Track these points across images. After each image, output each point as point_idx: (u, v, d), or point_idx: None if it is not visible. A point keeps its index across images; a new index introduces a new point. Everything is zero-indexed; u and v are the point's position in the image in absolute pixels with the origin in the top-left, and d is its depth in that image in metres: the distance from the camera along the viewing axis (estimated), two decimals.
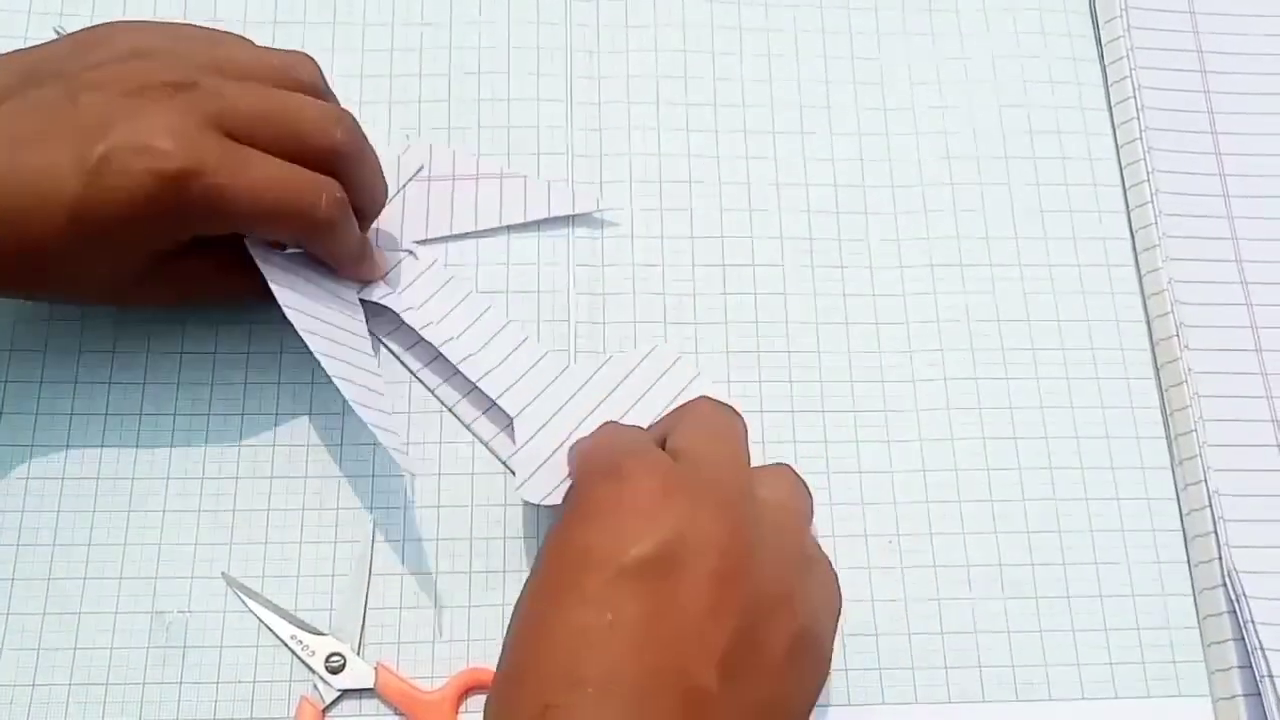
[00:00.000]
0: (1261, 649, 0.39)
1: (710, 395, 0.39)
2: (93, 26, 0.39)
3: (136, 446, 0.41)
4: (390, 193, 0.43)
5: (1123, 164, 0.47)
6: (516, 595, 0.34)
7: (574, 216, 0.45)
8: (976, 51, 0.49)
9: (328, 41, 0.47)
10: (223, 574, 0.40)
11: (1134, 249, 0.46)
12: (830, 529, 0.42)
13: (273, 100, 0.37)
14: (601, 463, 0.35)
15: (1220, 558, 0.41)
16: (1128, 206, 0.47)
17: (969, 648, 0.41)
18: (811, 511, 0.38)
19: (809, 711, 0.35)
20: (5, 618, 0.39)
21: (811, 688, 0.35)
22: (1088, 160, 0.48)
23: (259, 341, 0.43)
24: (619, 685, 0.30)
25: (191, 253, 0.38)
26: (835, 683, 0.40)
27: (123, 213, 0.35)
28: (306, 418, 0.42)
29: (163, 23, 0.40)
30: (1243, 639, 0.40)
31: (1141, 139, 0.47)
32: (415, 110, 0.46)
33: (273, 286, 0.39)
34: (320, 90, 0.40)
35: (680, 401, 0.41)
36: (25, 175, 0.34)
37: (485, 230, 0.45)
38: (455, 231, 0.44)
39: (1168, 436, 0.44)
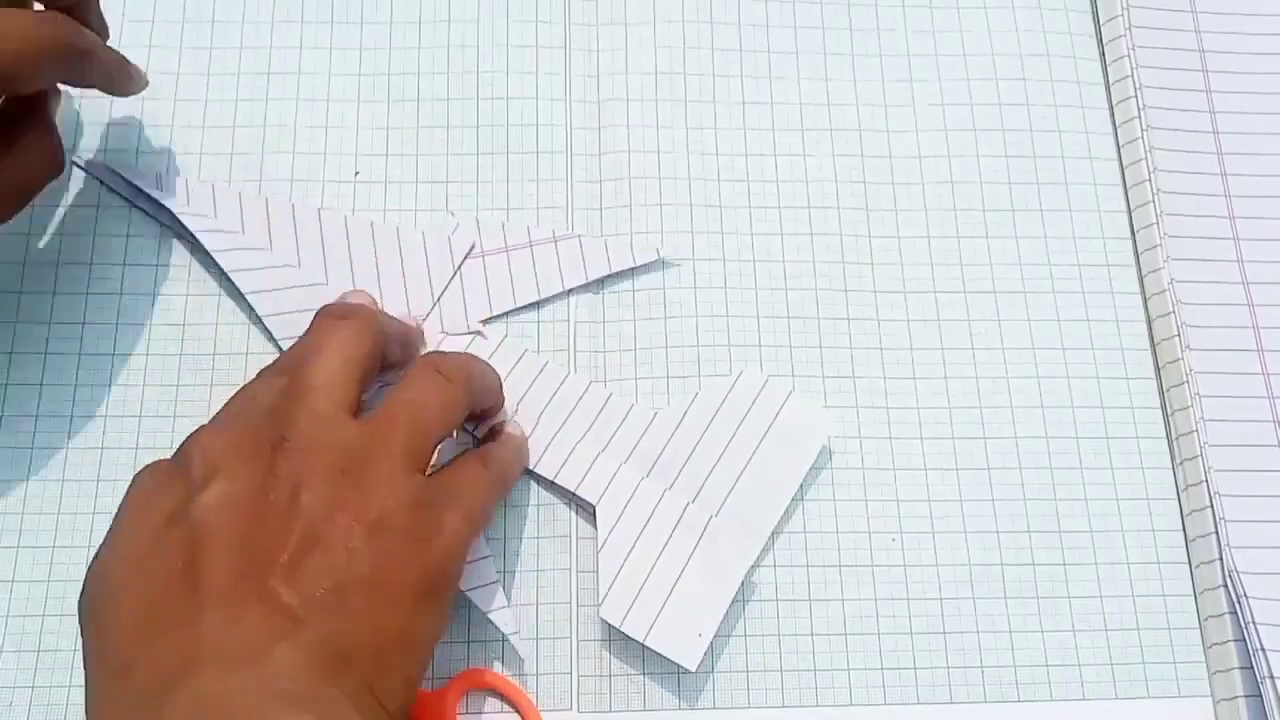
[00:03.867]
0: (1262, 650, 0.39)
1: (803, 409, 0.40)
2: None
3: (136, 448, 0.41)
4: (447, 276, 0.43)
5: (1124, 163, 0.47)
6: (516, 596, 0.34)
7: (572, 215, 0.45)
8: (977, 49, 0.49)
9: (326, 41, 0.47)
10: None
11: (1135, 248, 0.46)
12: (834, 526, 0.42)
13: None
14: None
15: (1221, 558, 0.41)
16: (1129, 206, 0.47)
17: (970, 648, 0.41)
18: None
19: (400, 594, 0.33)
20: (5, 620, 0.39)
21: (413, 554, 0.33)
22: (1089, 159, 0.48)
23: (259, 342, 0.43)
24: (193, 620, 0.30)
25: None
26: (838, 682, 0.40)
27: None
28: None
29: None
30: (1244, 640, 0.40)
31: (1143, 138, 0.47)
32: (414, 110, 0.46)
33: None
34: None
35: (778, 423, 0.42)
36: None
37: (485, 234, 0.45)
38: (520, 303, 0.44)
39: (1169, 437, 0.44)
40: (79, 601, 0.33)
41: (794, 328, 0.44)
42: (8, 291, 0.43)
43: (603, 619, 0.39)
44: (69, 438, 0.41)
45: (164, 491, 0.33)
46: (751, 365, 0.44)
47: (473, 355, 0.39)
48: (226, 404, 0.36)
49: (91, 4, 0.40)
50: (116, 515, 0.33)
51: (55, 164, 0.39)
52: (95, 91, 0.42)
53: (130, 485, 0.34)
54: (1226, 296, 0.45)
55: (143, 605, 0.31)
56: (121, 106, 0.45)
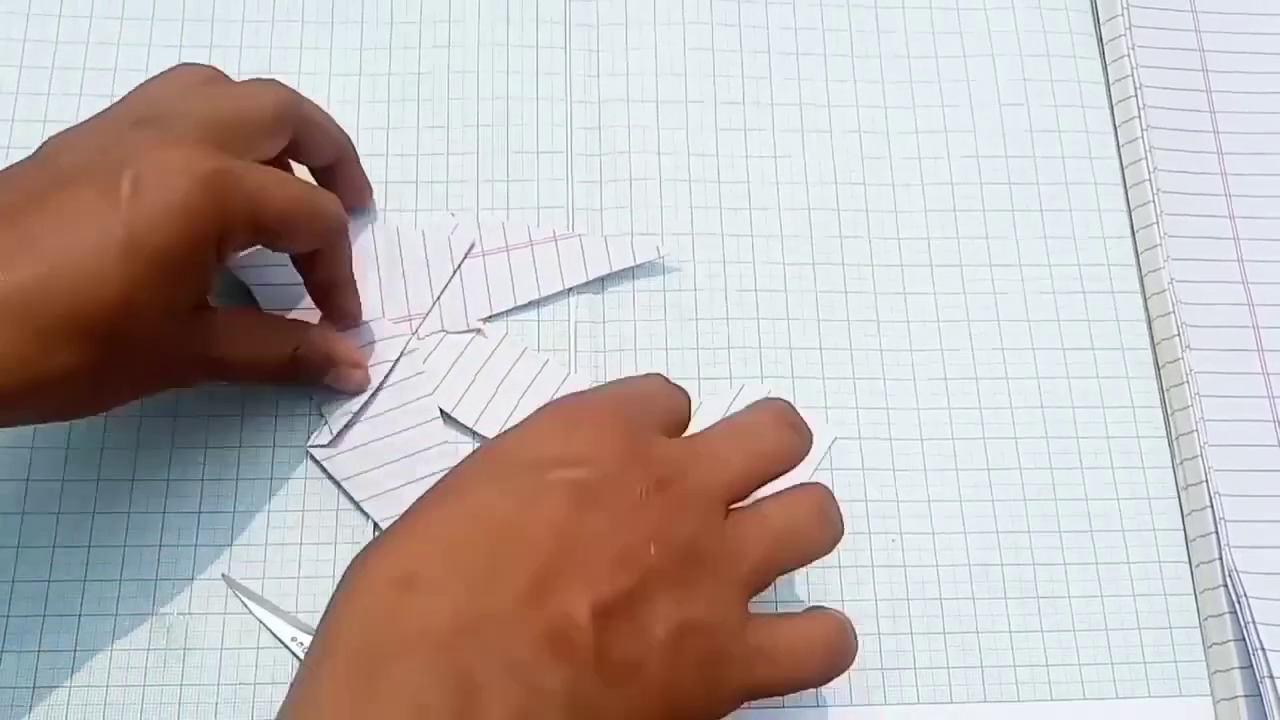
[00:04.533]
0: (1262, 649, 0.39)
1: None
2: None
3: (136, 448, 0.41)
4: (447, 274, 0.43)
5: (1124, 163, 0.47)
6: None
7: (573, 215, 0.45)
8: (977, 50, 0.49)
9: (326, 41, 0.47)
10: (223, 575, 0.40)
11: (1135, 248, 0.46)
12: None
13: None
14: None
15: (1221, 558, 0.41)
16: (1129, 205, 0.47)
17: (970, 648, 0.41)
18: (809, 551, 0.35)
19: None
20: (5, 620, 0.39)
21: (691, 687, 0.31)
22: (1089, 159, 0.48)
23: None
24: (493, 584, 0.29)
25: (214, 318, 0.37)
26: (837, 682, 0.40)
27: (172, 226, 0.33)
28: (306, 419, 0.42)
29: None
30: (1244, 640, 0.40)
31: (1143, 137, 0.47)
32: (414, 109, 0.46)
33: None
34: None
35: None
36: (66, 226, 0.32)
37: (484, 234, 0.45)
38: (520, 302, 0.44)
39: (1169, 436, 0.44)
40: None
41: (794, 329, 0.44)
42: None
43: None
44: (69, 438, 0.41)
45: (544, 436, 0.32)
46: (751, 366, 0.44)
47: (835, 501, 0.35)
48: (643, 383, 0.35)
49: (352, 163, 0.42)
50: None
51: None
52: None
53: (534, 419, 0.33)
54: (1226, 296, 0.45)
55: (460, 528, 0.30)
56: None
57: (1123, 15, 0.48)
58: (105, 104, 0.45)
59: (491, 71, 0.47)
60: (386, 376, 0.42)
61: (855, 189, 0.47)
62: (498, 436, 0.33)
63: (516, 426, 0.33)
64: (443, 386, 0.42)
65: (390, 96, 0.46)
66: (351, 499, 0.41)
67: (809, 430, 0.35)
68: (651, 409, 0.34)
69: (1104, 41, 0.49)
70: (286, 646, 0.39)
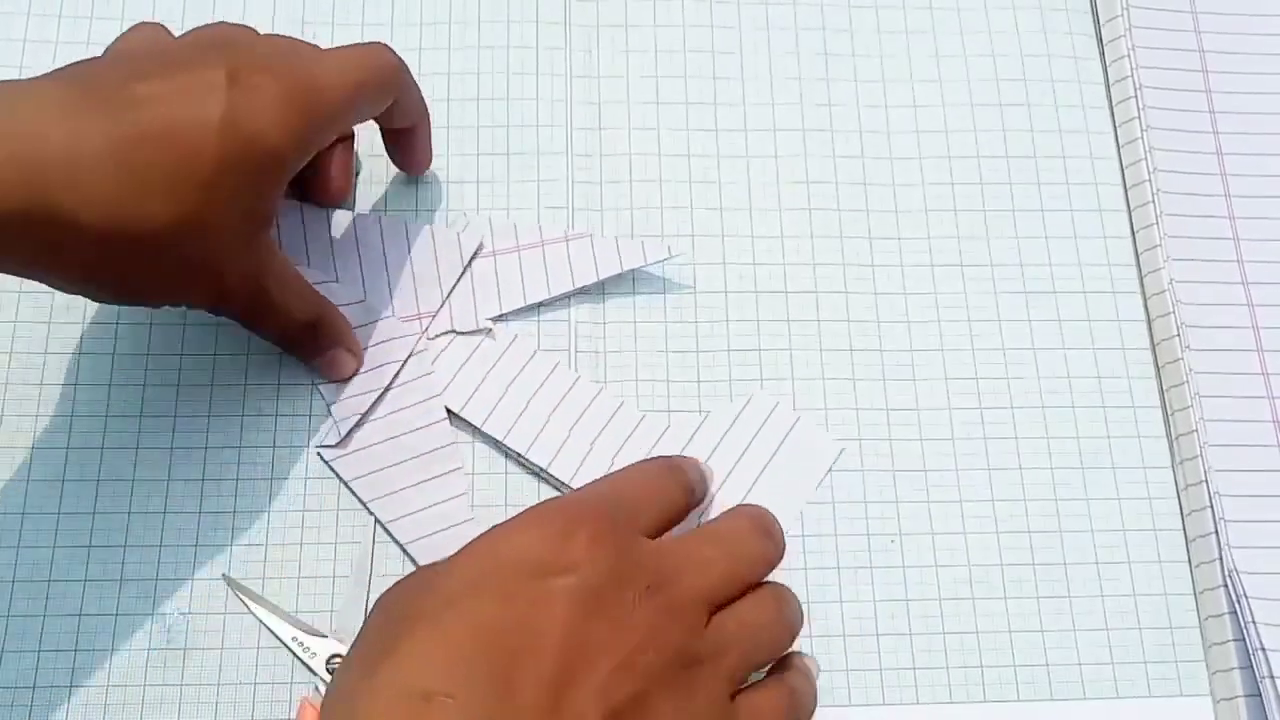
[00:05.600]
0: (1262, 649, 0.39)
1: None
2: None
3: (137, 448, 0.41)
4: (456, 273, 0.44)
5: (1124, 163, 0.47)
6: None
7: (573, 216, 0.45)
8: (977, 50, 0.49)
9: (326, 41, 0.47)
10: (223, 576, 0.40)
11: (1135, 248, 0.46)
12: (833, 529, 0.42)
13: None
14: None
15: (1221, 558, 0.41)
16: (1129, 206, 0.47)
17: (971, 648, 0.41)
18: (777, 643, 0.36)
19: None
20: (6, 620, 0.39)
21: None
22: (1089, 159, 0.48)
23: (259, 342, 0.42)
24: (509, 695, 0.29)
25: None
26: (837, 682, 0.40)
27: (270, 109, 0.35)
28: (307, 419, 0.42)
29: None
30: (1244, 640, 0.40)
31: (1143, 138, 0.47)
32: None
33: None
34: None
35: (785, 448, 0.42)
36: (175, 100, 0.34)
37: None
38: (530, 301, 0.44)
39: (1169, 436, 0.44)
40: (378, 601, 0.33)
41: (794, 329, 0.44)
42: (7, 291, 0.43)
43: None
44: (69, 438, 0.41)
45: (541, 539, 0.32)
46: (751, 368, 0.44)
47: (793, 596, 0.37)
48: (631, 479, 0.36)
49: (427, 130, 0.44)
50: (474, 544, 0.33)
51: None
52: None
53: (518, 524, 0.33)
54: (1226, 296, 0.45)
55: (467, 637, 0.30)
56: None
57: (1123, 15, 0.48)
58: None
59: (492, 73, 0.47)
60: (395, 376, 0.42)
61: (855, 189, 0.47)
62: (491, 534, 0.33)
63: (509, 526, 0.33)
64: (452, 386, 0.42)
65: None
66: (359, 499, 0.41)
67: (782, 536, 0.37)
68: (643, 509, 0.35)
69: (1104, 41, 0.49)
70: (286, 646, 0.39)
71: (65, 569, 0.40)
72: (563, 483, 0.41)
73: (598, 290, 0.44)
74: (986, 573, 0.42)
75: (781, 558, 0.36)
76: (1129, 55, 0.48)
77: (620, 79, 0.47)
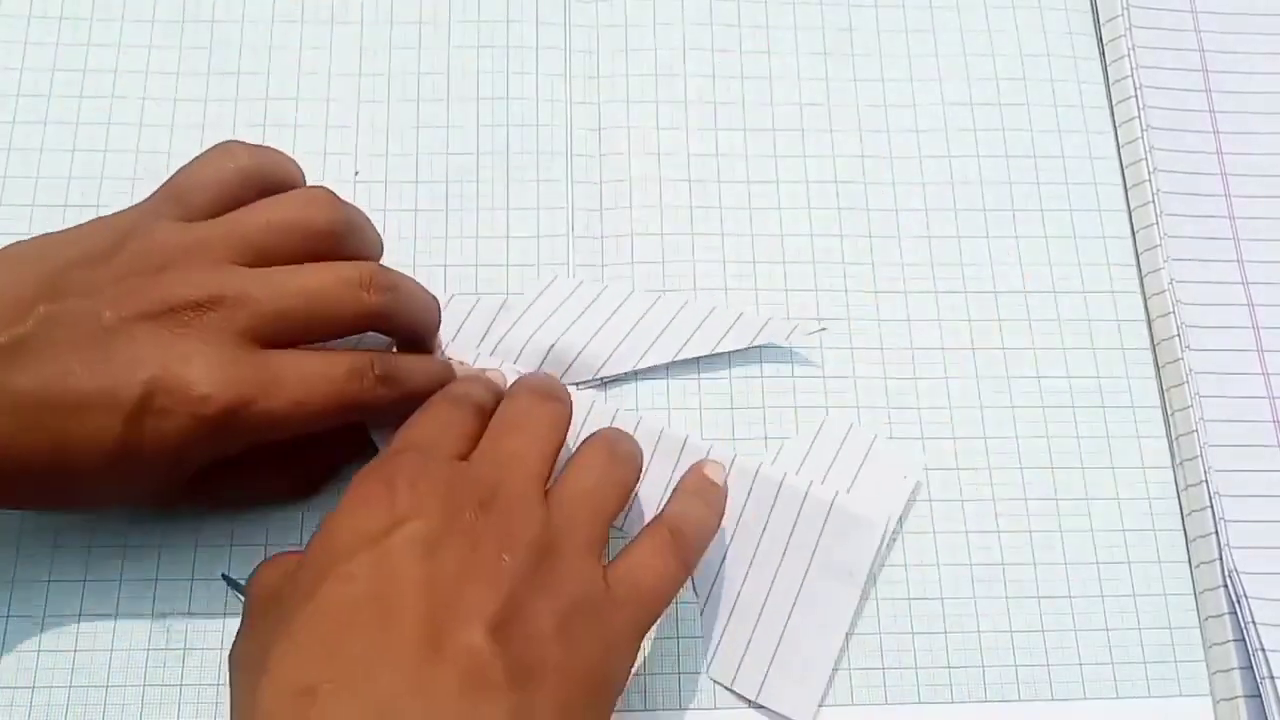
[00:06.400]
0: (1262, 650, 0.39)
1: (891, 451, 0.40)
2: (111, 221, 0.37)
3: None
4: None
5: (1124, 163, 0.47)
6: None
7: (573, 216, 0.45)
8: (977, 49, 0.49)
9: (325, 40, 0.47)
10: (223, 575, 0.40)
11: (1135, 248, 0.46)
12: None
13: (295, 292, 0.36)
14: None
15: (1221, 558, 0.41)
16: (1129, 205, 0.47)
17: (971, 648, 0.41)
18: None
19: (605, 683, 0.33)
20: (5, 620, 0.39)
21: (593, 655, 0.33)
22: (1089, 159, 0.48)
23: None
24: (389, 657, 0.30)
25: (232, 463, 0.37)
26: (837, 682, 0.40)
27: (165, 453, 0.34)
28: None
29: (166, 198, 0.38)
30: (1244, 640, 0.40)
31: (1143, 138, 0.47)
32: (414, 109, 0.46)
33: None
34: (338, 233, 0.38)
35: (865, 470, 0.42)
36: (60, 410, 0.33)
37: (484, 235, 0.45)
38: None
39: (1169, 436, 0.44)
40: (247, 587, 0.34)
41: (793, 329, 0.44)
42: None
43: (712, 680, 0.39)
44: None
45: (366, 509, 0.32)
46: (751, 367, 0.44)
47: (624, 434, 0.38)
48: (424, 422, 0.36)
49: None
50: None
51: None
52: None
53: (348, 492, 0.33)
54: (1226, 296, 0.45)
55: (329, 625, 0.30)
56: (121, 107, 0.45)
57: (1123, 15, 0.48)
58: (105, 106, 0.45)
59: (491, 72, 0.47)
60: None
61: (855, 188, 0.47)
62: (326, 521, 0.33)
63: (339, 508, 0.33)
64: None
65: (390, 96, 0.46)
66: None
67: (565, 391, 0.38)
68: (445, 438, 0.36)
69: (1104, 41, 0.49)
70: None
71: (65, 569, 0.40)
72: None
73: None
74: (987, 572, 0.42)
75: (570, 410, 0.37)
76: (1129, 55, 0.48)
77: (620, 79, 0.47)
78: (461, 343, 0.42)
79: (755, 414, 0.43)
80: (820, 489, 0.41)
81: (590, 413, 0.42)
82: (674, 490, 0.39)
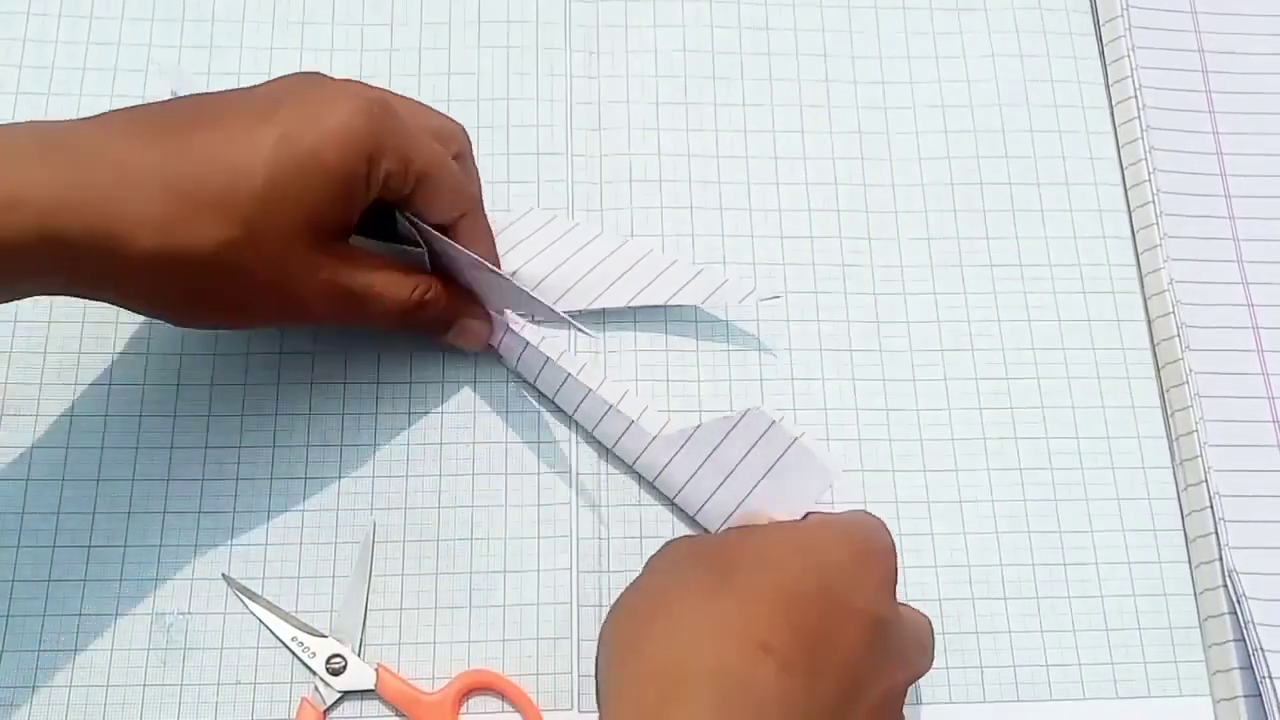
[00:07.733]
0: (1262, 650, 0.39)
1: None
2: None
3: (136, 448, 0.41)
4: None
5: (1124, 163, 0.47)
6: (517, 596, 0.33)
7: (572, 216, 0.45)
8: (977, 50, 0.49)
9: (326, 41, 0.47)
10: (223, 575, 0.40)
11: (1135, 248, 0.46)
12: None
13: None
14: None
15: (1221, 558, 0.41)
16: (1129, 206, 0.47)
17: (970, 648, 0.41)
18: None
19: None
20: (5, 619, 0.39)
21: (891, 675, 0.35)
22: (1089, 159, 0.48)
23: (259, 342, 0.43)
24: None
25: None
26: None
27: (325, 134, 0.35)
28: (306, 418, 0.42)
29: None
30: (1244, 640, 0.40)
31: (1143, 138, 0.47)
32: None
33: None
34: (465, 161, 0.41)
35: (785, 462, 0.41)
36: (225, 129, 0.34)
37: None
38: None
39: (1169, 437, 0.44)
40: (683, 546, 0.36)
41: (793, 330, 0.44)
42: None
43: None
44: (69, 438, 0.41)
45: (848, 559, 0.34)
46: (751, 368, 0.44)
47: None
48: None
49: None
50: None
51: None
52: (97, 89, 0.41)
53: None
54: (1226, 296, 0.45)
55: (793, 608, 0.32)
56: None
57: (1123, 15, 0.48)
58: (105, 104, 0.45)
59: (492, 73, 0.47)
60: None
61: (855, 189, 0.47)
62: (803, 531, 0.36)
63: (821, 534, 0.35)
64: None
65: None
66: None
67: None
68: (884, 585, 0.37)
69: (1104, 41, 0.49)
70: (286, 646, 0.39)
71: (65, 569, 0.40)
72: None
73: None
74: (986, 573, 0.42)
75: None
76: (1129, 55, 0.48)
77: (620, 79, 0.47)
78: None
79: None
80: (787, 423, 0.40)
81: (620, 402, 0.42)
82: None
